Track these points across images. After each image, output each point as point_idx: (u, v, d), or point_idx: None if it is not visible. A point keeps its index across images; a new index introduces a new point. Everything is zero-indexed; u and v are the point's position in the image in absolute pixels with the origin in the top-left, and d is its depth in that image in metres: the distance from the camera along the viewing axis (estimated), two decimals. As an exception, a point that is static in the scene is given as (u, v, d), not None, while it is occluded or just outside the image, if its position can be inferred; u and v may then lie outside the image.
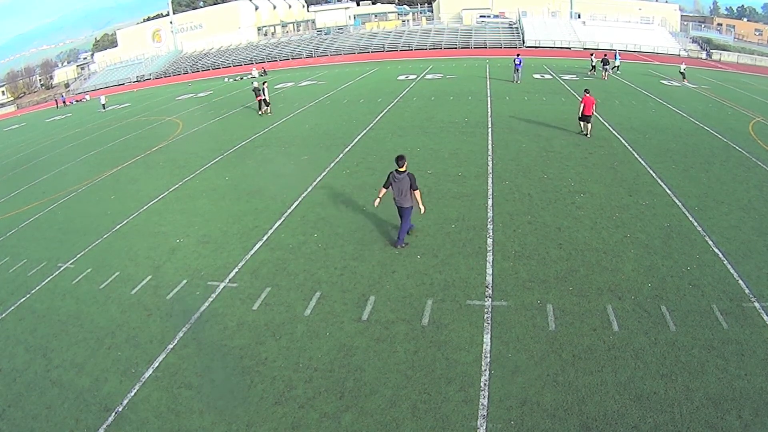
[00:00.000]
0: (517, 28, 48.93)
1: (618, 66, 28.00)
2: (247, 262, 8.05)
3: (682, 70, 25.57)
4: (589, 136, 13.82)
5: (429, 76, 28.75)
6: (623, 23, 48.03)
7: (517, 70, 24.22)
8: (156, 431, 4.88)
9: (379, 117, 18.01)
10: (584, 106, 13.64)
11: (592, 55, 27.92)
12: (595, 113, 16.42)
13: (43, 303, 7.69)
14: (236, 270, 7.82)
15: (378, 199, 7.96)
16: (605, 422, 4.47)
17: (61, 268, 8.76)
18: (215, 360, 5.84)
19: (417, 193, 7.51)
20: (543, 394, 4.84)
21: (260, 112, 21.28)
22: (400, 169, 7.46)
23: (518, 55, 25.10)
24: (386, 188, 7.67)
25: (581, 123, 13.96)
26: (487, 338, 5.70)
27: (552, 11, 52.64)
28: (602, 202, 9.21)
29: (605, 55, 26.88)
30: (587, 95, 13.69)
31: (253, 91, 21.78)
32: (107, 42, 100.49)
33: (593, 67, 26.87)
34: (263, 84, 21.21)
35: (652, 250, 7.41)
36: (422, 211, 7.82)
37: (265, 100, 20.76)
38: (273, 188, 11.40)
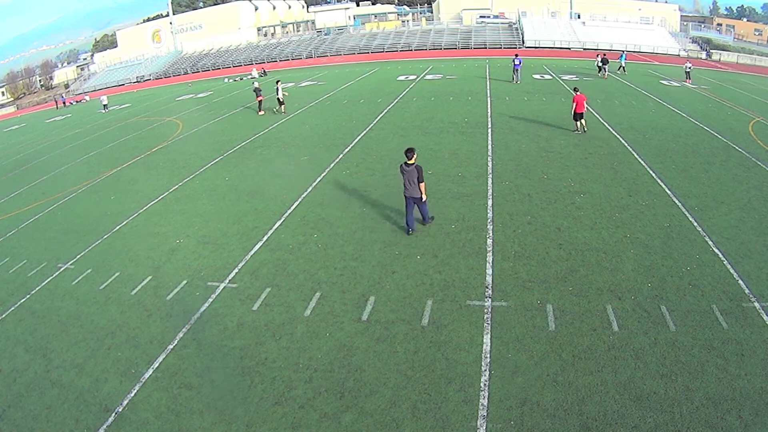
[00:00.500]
0: (516, 29, 48.94)
1: (624, 66, 27.62)
2: (247, 262, 8.05)
3: (687, 69, 25.50)
4: (586, 131, 14.00)
5: (429, 77, 28.76)
6: (623, 23, 48.04)
7: (516, 70, 24.20)
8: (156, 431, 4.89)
9: (379, 117, 18.02)
10: (576, 105, 13.89)
11: (598, 56, 27.66)
12: (592, 111, 16.48)
13: (43, 303, 7.69)
14: (236, 270, 7.82)
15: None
16: (605, 422, 4.47)
17: (61, 269, 8.77)
18: (215, 360, 5.84)
19: (422, 185, 7.88)
20: (543, 394, 4.84)
21: (260, 112, 21.33)
22: (408, 162, 7.88)
23: (517, 55, 25.03)
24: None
25: (577, 123, 14.16)
26: (487, 338, 5.70)
27: (552, 11, 52.67)
28: (602, 202, 9.21)
29: (604, 55, 26.83)
30: (578, 93, 13.94)
31: (254, 91, 21.81)
32: (107, 42, 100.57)
33: (600, 68, 26.47)
34: (276, 83, 21.20)
35: (652, 250, 7.41)
36: (424, 199, 8.11)
37: (279, 98, 20.65)
38: (273, 189, 11.41)
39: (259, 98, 21.54)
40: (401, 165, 8.01)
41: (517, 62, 24.17)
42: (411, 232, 8.39)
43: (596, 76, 26.04)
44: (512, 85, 23.79)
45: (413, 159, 7.89)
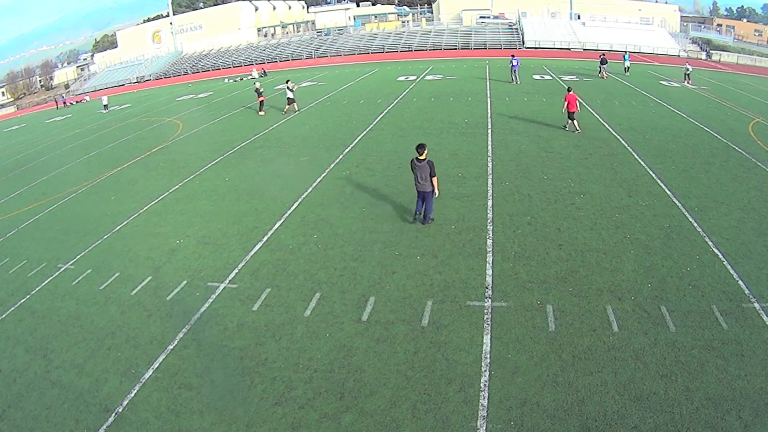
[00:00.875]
0: (516, 29, 48.97)
1: (628, 67, 27.29)
2: (247, 262, 8.05)
3: (687, 72, 25.43)
4: (567, 128, 14.34)
5: (429, 77, 28.77)
6: (623, 24, 48.05)
7: (514, 71, 24.26)
8: (156, 432, 4.88)
9: (379, 118, 18.03)
10: (568, 104, 14.16)
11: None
12: (593, 112, 16.49)
13: (44, 304, 7.69)
14: (236, 271, 7.82)
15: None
16: (605, 423, 4.47)
17: (61, 269, 8.77)
18: (215, 361, 5.84)
19: (435, 179, 8.13)
20: (543, 395, 4.84)
21: (260, 113, 21.36)
22: (420, 157, 8.08)
23: (513, 56, 25.08)
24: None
25: (574, 122, 14.38)
26: (487, 339, 5.70)
27: (552, 12, 52.67)
28: (602, 203, 9.22)
29: (603, 55, 26.86)
30: (570, 93, 14.23)
31: (255, 92, 21.85)
32: (107, 43, 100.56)
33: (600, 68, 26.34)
34: (287, 82, 21.14)
35: (651, 250, 7.42)
36: (437, 194, 8.42)
37: (289, 97, 20.50)
38: (273, 189, 11.41)
39: (261, 99, 21.54)
40: (412, 160, 8.18)
41: (514, 63, 24.21)
42: (417, 216, 8.69)
43: (596, 77, 26.04)
44: (512, 85, 23.80)
45: (424, 154, 8.05)
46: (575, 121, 14.29)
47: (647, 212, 8.76)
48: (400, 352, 5.61)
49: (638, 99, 19.87)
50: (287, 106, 20.74)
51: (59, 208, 12.40)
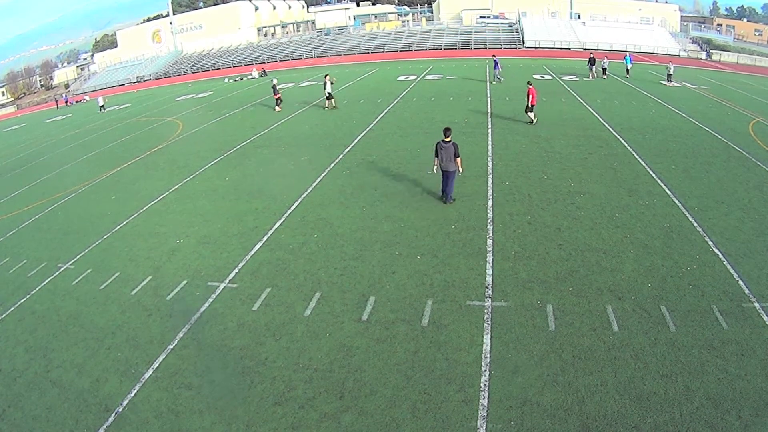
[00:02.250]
0: (516, 29, 48.95)
1: (629, 69, 26.89)
2: (247, 262, 8.05)
3: (670, 72, 24.97)
4: (535, 122, 15.00)
5: (429, 77, 28.76)
6: (623, 23, 48.05)
7: (496, 71, 24.96)
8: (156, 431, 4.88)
9: (379, 117, 18.02)
10: (531, 97, 14.75)
11: (605, 57, 27.21)
12: (593, 112, 16.48)
13: (44, 303, 7.69)
14: (236, 270, 7.82)
15: (435, 166, 9.35)
16: (605, 422, 4.47)
17: (61, 269, 8.77)
18: (215, 360, 5.84)
19: (458, 159, 9.03)
20: (543, 395, 4.84)
21: (278, 109, 21.50)
22: (446, 139, 8.94)
23: (494, 55, 26.57)
24: (437, 157, 9.12)
25: (530, 114, 15.06)
26: (487, 338, 5.70)
27: (552, 12, 52.66)
28: (602, 203, 9.21)
29: (591, 54, 26.87)
30: (530, 86, 14.95)
31: (272, 88, 22.07)
32: (107, 42, 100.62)
33: (604, 69, 26.08)
34: (324, 76, 20.84)
35: (652, 250, 7.41)
36: (461, 171, 9.34)
37: (329, 93, 20.38)
38: (273, 188, 11.41)
39: (277, 95, 21.59)
40: (439, 142, 9.03)
41: (496, 65, 25.06)
42: (447, 201, 9.42)
43: (597, 77, 26.03)
44: (513, 84, 23.78)
45: (450, 137, 8.89)
46: (532, 113, 14.98)
47: (647, 212, 8.76)
48: (400, 352, 5.61)
49: (638, 99, 19.86)
50: (327, 102, 20.65)
51: (59, 208, 12.40)
